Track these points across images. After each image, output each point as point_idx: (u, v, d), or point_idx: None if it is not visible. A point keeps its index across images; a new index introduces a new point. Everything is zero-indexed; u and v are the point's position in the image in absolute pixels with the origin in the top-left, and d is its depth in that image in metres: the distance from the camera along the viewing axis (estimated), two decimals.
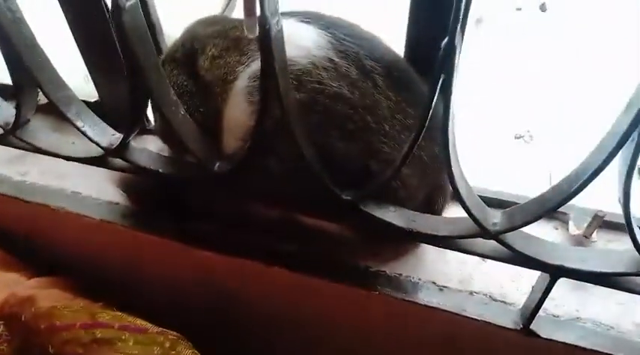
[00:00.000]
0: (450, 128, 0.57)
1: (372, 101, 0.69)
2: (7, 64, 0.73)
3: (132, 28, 0.60)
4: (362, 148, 0.70)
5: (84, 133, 0.77)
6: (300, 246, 0.87)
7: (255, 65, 0.73)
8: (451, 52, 0.50)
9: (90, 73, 1.07)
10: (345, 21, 0.76)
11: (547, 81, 1.82)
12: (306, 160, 0.66)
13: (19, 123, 0.82)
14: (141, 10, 0.61)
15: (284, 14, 0.78)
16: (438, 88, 0.53)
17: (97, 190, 1.00)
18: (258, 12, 0.56)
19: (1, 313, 0.91)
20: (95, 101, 1.12)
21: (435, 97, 0.54)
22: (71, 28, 0.99)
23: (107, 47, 0.99)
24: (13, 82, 0.75)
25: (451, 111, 0.55)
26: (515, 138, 1.67)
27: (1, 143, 0.88)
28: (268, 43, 0.56)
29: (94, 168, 0.85)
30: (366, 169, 0.71)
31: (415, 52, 0.78)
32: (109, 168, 0.84)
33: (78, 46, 1.02)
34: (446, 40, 0.50)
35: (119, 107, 1.09)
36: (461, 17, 0.48)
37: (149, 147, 0.83)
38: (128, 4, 0.59)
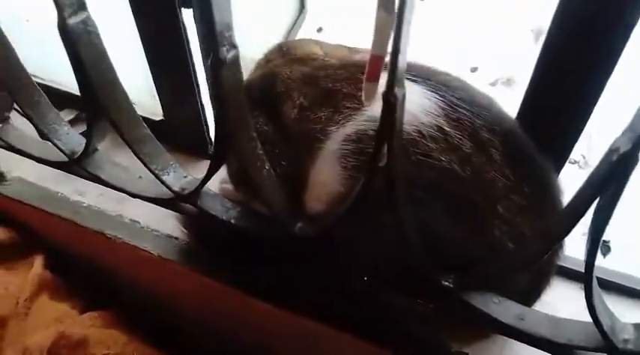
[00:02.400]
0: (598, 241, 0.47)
1: (486, 179, 0.60)
2: (81, 95, 0.67)
3: (230, 86, 0.53)
4: (469, 231, 0.61)
5: (156, 176, 0.71)
6: (377, 313, 0.79)
7: (352, 127, 0.65)
8: (631, 162, 0.41)
9: (157, 90, 1.01)
10: (458, 80, 0.66)
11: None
12: (404, 237, 0.57)
13: (88, 152, 0.76)
14: (240, 63, 0.53)
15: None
16: (601, 197, 0.44)
17: (157, 221, 0.94)
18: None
19: None
20: (160, 120, 1.06)
21: (597, 205, 0.44)
22: (143, 44, 0.93)
23: (178, 65, 0.93)
24: (85, 114, 0.69)
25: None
26: (570, 163, 1.55)
27: (65, 171, 0.82)
28: (391, 118, 0.47)
29: None
30: (471, 253, 0.62)
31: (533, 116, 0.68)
32: (177, 212, 0.77)
33: (148, 61, 0.96)
34: (628, 148, 0.40)
35: (184, 127, 1.04)
36: None
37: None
38: (230, 55, 0.51)
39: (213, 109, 0.55)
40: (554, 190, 0.63)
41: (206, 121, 1.03)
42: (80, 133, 0.78)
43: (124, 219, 0.95)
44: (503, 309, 0.62)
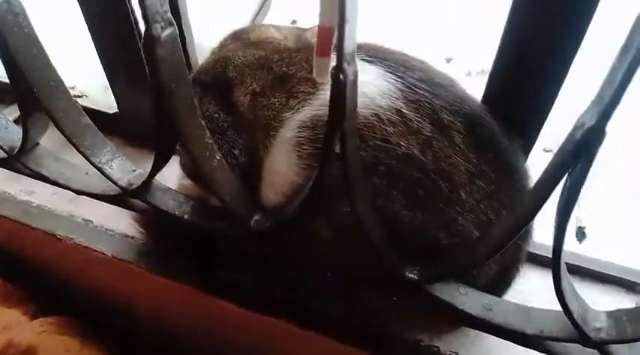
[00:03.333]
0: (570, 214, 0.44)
1: (448, 164, 0.56)
2: (12, 84, 0.62)
3: (167, 64, 0.48)
4: (431, 219, 0.57)
5: (100, 170, 0.66)
6: (343, 309, 0.75)
7: (308, 112, 0.60)
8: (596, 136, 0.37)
9: (110, 82, 0.95)
10: (416, 60, 0.62)
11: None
12: (363, 228, 0.54)
13: (26, 148, 0.71)
14: (179, 41, 0.49)
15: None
16: (568, 175, 0.40)
17: (111, 220, 0.88)
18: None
19: None
20: (114, 113, 1.00)
21: (563, 185, 0.41)
22: (92, 34, 0.87)
23: (131, 55, 0.87)
24: (19, 106, 0.64)
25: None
26: (545, 151, 1.54)
27: (4, 168, 0.76)
28: (342, 94, 0.43)
29: None
30: (435, 243, 0.58)
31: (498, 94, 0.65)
32: (126, 208, 0.72)
33: (98, 53, 0.90)
34: (593, 122, 0.37)
35: (140, 120, 0.98)
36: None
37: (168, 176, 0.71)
38: (164, 34, 0.46)
39: (153, 93, 0.50)
40: (521, 175, 0.60)
41: None
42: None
43: (77, 218, 0.90)
44: (470, 300, 0.59)
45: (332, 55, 0.43)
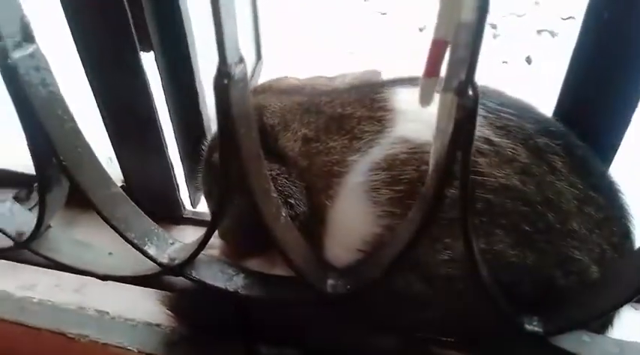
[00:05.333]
0: None
1: (553, 192, 0.50)
2: (31, 153, 0.52)
3: (240, 106, 0.40)
4: (543, 256, 0.50)
5: (135, 246, 0.55)
6: None
7: (379, 152, 0.54)
8: None
9: (116, 152, 0.86)
10: (485, 86, 0.58)
11: None
12: (478, 275, 0.45)
13: (39, 232, 0.60)
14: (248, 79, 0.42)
15: (399, 82, 0.61)
16: None
17: (129, 308, 0.76)
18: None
19: None
20: (121, 186, 0.90)
21: None
22: (96, 98, 0.79)
23: (141, 122, 0.80)
24: (38, 178, 0.54)
25: None
26: None
27: (8, 259, 0.64)
28: (466, 119, 0.37)
29: None
30: (550, 284, 0.50)
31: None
32: (163, 289, 0.61)
33: (103, 119, 0.82)
34: None
35: (150, 192, 0.88)
36: None
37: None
38: (237, 71, 0.39)
39: (220, 142, 0.42)
40: (621, 198, 0.54)
41: (177, 182, 0.89)
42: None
43: (88, 310, 0.77)
44: (597, 347, 0.51)
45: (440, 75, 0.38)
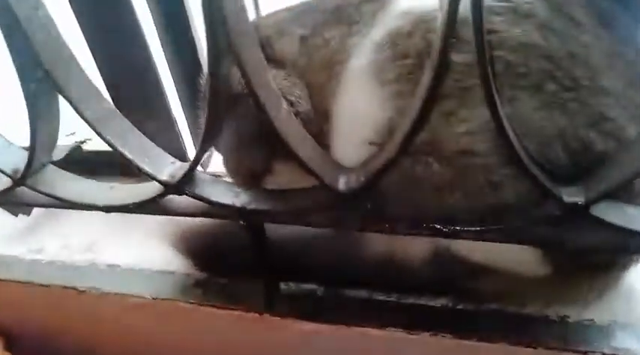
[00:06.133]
0: None
1: (579, 46, 0.45)
2: (18, 70, 0.49)
3: None
4: (575, 117, 0.45)
5: (132, 162, 0.52)
6: (456, 298, 0.60)
7: (380, 31, 0.49)
8: None
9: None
10: None
11: None
12: (507, 140, 0.40)
13: (33, 167, 0.57)
14: None
15: None
16: None
17: (141, 259, 0.73)
18: None
19: None
20: None
21: None
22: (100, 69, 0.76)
23: (134, 69, 0.77)
24: (25, 98, 0.51)
25: None
26: None
27: (11, 198, 0.61)
28: None
29: (133, 227, 0.63)
30: (587, 148, 0.45)
31: None
32: (168, 214, 0.57)
33: (108, 89, 0.78)
34: None
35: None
36: None
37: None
38: None
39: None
40: None
41: (183, 142, 0.84)
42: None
43: (99, 266, 0.74)
44: None
45: None
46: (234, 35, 0.40)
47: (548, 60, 0.44)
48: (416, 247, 0.58)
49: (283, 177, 0.58)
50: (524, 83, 0.44)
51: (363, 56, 0.49)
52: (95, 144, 0.93)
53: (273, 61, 0.57)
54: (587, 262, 0.53)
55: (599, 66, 0.45)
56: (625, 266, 0.55)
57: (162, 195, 0.54)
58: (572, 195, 0.43)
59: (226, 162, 0.66)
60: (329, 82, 0.52)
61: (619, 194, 0.43)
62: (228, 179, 0.65)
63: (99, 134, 0.51)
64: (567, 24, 0.45)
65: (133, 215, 0.57)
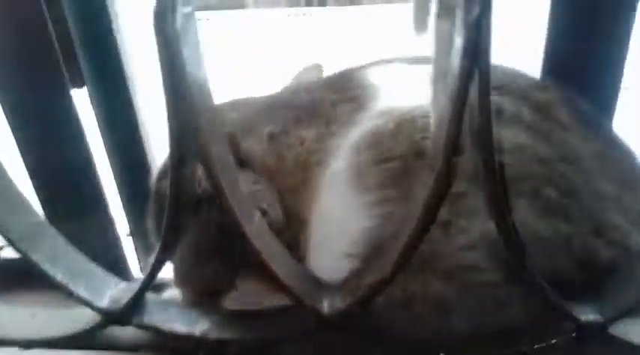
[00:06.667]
0: None
1: (568, 148, 0.43)
2: None
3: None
4: (578, 224, 0.41)
5: (64, 287, 0.42)
6: None
7: (361, 131, 0.45)
8: None
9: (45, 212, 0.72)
10: None
11: None
12: (517, 261, 0.36)
13: None
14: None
15: (366, 65, 0.54)
16: None
17: None
18: None
19: None
20: None
21: None
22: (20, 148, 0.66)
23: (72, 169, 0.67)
24: None
25: None
26: None
27: None
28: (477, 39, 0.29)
29: None
30: (592, 258, 0.41)
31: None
32: (107, 349, 0.46)
33: (30, 173, 0.68)
34: None
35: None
36: None
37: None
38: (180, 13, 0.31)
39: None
40: (633, 153, 0.48)
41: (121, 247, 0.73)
42: None
43: None
44: None
45: None
46: (202, 129, 0.34)
47: (541, 163, 0.41)
48: None
49: (247, 295, 0.49)
50: (522, 188, 0.41)
51: (341, 159, 0.44)
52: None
53: (240, 161, 0.51)
54: None
55: (592, 168, 0.42)
56: None
57: (101, 326, 0.44)
58: (587, 314, 0.39)
59: (178, 274, 0.57)
60: (304, 186, 0.46)
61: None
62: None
63: (22, 253, 0.41)
64: (553, 126, 0.43)
65: (62, 351, 0.46)
